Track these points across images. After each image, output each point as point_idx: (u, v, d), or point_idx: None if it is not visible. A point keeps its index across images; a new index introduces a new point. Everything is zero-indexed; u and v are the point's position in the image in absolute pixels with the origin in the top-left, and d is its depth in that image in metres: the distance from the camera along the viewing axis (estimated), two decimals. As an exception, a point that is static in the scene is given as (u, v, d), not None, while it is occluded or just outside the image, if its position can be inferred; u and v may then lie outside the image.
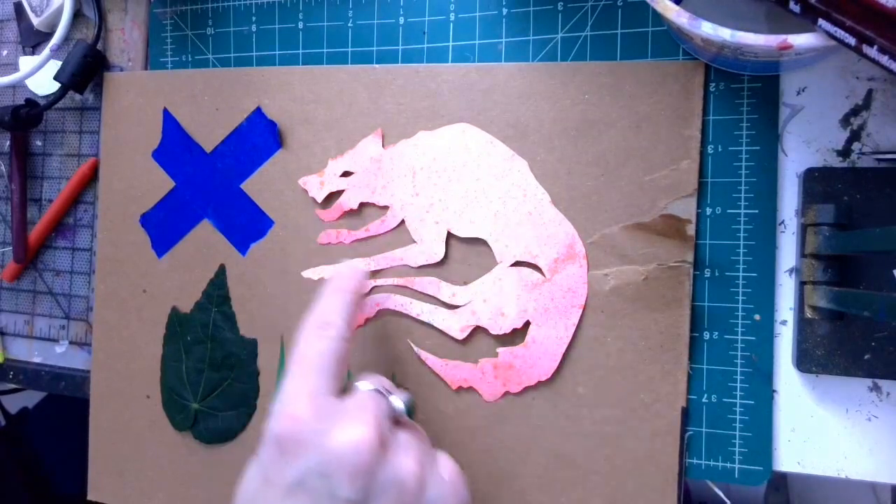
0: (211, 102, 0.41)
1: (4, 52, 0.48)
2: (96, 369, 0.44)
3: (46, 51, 0.43)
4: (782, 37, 0.25)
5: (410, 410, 0.30)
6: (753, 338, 0.33)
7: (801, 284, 0.32)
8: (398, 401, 0.30)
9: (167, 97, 0.42)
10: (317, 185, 0.39)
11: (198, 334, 0.41)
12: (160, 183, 0.43)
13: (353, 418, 0.27)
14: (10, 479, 0.68)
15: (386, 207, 0.37)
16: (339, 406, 0.27)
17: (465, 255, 0.36)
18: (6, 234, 0.48)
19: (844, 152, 0.32)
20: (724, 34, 0.26)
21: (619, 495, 0.33)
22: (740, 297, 0.33)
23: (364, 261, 0.38)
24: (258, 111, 0.40)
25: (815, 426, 0.32)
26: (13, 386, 0.50)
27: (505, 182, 0.35)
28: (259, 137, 0.40)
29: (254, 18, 0.41)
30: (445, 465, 0.29)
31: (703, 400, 0.33)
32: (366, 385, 0.30)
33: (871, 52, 0.24)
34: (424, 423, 0.37)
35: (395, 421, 0.29)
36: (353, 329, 0.31)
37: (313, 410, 0.27)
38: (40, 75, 0.44)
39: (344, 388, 0.30)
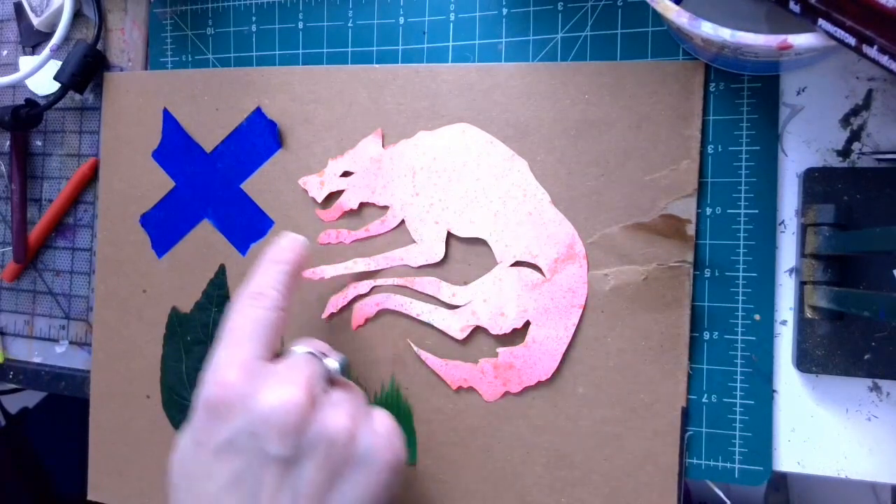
0: (211, 102, 0.41)
1: (4, 52, 0.48)
2: (96, 369, 0.44)
3: (46, 51, 0.43)
4: (782, 37, 0.25)
5: (345, 370, 0.31)
6: (753, 338, 0.33)
7: (801, 284, 0.32)
8: (332, 361, 0.30)
9: (167, 97, 0.42)
10: (317, 185, 0.39)
11: (198, 334, 0.41)
12: (160, 183, 0.43)
13: (282, 380, 0.27)
14: (10, 479, 0.68)
15: (386, 207, 0.37)
16: (270, 369, 0.28)
17: (465, 255, 0.36)
18: (6, 234, 0.48)
19: (844, 152, 0.32)
20: (724, 34, 0.26)
21: (619, 495, 0.33)
22: (740, 297, 0.33)
23: (364, 261, 0.38)
24: (258, 111, 0.40)
25: (815, 426, 0.32)
26: (13, 386, 0.50)
27: (505, 182, 0.35)
28: (259, 137, 0.40)
29: (254, 18, 0.41)
30: (380, 420, 0.29)
31: (703, 400, 0.33)
32: (301, 349, 0.30)
33: (871, 52, 0.24)
34: (425, 424, 0.37)
35: (331, 381, 0.30)
36: (289, 299, 0.31)
37: (242, 375, 0.27)
38: (40, 75, 0.44)
39: (279, 354, 0.30)
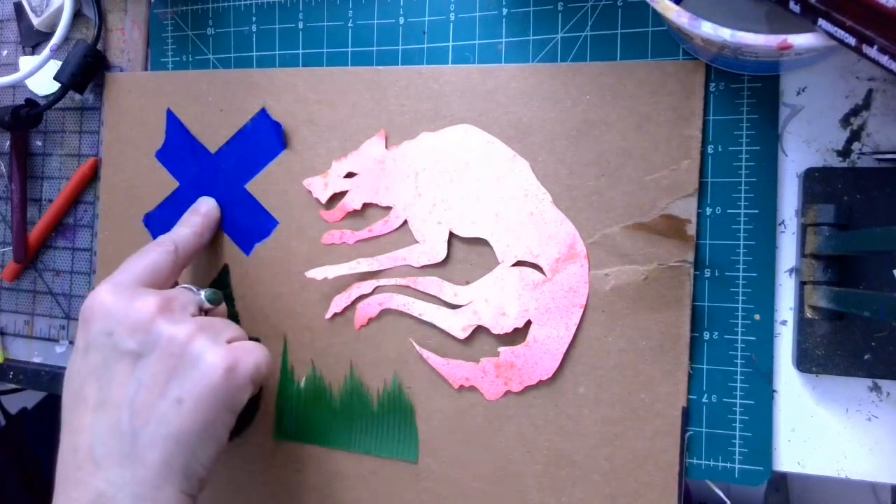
0: (215, 103, 0.41)
1: (4, 52, 0.48)
2: (97, 369, 0.44)
3: (46, 51, 0.43)
4: (782, 37, 0.25)
5: (214, 300, 0.35)
6: (753, 338, 0.33)
7: (801, 284, 0.32)
8: (207, 292, 0.35)
9: (170, 98, 0.42)
10: (321, 186, 0.39)
11: (199, 334, 0.41)
12: (163, 183, 0.43)
13: (144, 294, 0.32)
14: (10, 479, 0.68)
15: (389, 208, 0.37)
16: (141, 291, 0.32)
17: (466, 255, 0.36)
18: (6, 234, 0.48)
19: (844, 152, 0.32)
20: (724, 34, 0.26)
21: (619, 495, 0.34)
22: (740, 297, 0.33)
23: (367, 261, 0.38)
24: (263, 112, 0.40)
25: (815, 426, 0.32)
26: (13, 386, 0.50)
27: (506, 182, 0.35)
28: (264, 138, 0.40)
29: (254, 18, 0.41)
30: (241, 342, 0.33)
31: (703, 400, 0.33)
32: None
33: (871, 52, 0.24)
34: (426, 422, 0.37)
35: (204, 311, 0.35)
36: (189, 251, 0.37)
37: (114, 292, 0.32)
38: (40, 75, 0.44)
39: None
